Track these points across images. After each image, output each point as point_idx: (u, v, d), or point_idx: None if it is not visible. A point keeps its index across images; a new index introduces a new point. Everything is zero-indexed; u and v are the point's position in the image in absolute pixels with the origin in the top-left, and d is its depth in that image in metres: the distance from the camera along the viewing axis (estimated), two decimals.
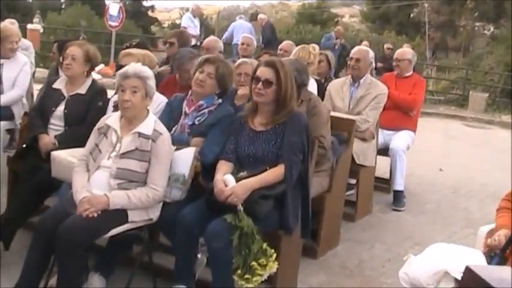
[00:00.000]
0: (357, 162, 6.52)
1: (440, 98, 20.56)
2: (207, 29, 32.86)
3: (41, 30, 17.33)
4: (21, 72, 6.88)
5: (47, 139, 5.21)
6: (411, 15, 41.27)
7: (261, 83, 4.33)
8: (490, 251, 3.76)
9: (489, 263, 3.66)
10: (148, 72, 4.28)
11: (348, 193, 6.57)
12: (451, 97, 20.96)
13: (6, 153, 6.37)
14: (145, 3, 58.52)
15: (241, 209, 4.07)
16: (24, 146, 5.37)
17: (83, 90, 5.40)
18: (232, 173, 4.30)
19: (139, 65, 4.30)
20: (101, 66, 11.87)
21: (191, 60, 5.74)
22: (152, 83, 4.28)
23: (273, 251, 4.08)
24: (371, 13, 43.93)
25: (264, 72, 4.35)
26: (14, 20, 10.45)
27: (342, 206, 6.07)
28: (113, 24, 16.84)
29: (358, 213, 6.73)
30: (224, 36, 17.43)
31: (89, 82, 5.45)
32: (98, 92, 5.39)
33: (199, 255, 4.49)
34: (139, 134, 4.20)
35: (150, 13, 59.14)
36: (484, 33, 37.36)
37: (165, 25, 50.55)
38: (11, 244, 4.95)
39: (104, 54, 16.97)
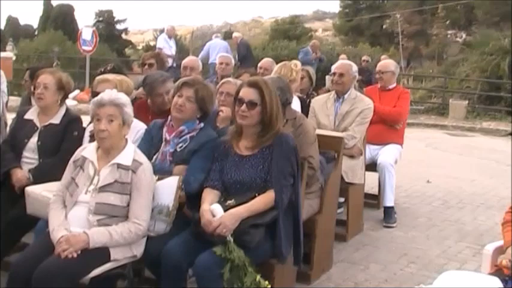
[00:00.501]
0: (346, 180, 6.29)
1: (420, 108, 20.46)
2: (181, 49, 32.74)
3: (14, 58, 17.02)
4: None
5: (20, 174, 4.93)
6: (383, 26, 41.62)
7: (244, 104, 4.11)
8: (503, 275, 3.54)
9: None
10: (124, 98, 4.03)
11: (338, 211, 6.35)
12: (430, 106, 20.91)
13: None
14: (118, 26, 58.50)
15: (231, 240, 3.84)
16: None
17: (56, 120, 5.13)
18: (219, 202, 4.06)
19: (114, 92, 4.05)
20: (76, 92, 11.64)
21: (164, 83, 5.54)
22: (129, 110, 4.03)
23: (266, 282, 3.85)
24: (344, 26, 44.24)
25: (248, 93, 4.13)
26: None
27: (334, 227, 5.83)
28: (87, 48, 16.61)
29: (350, 232, 6.49)
30: (200, 56, 17.26)
31: (62, 111, 5.19)
32: (72, 121, 5.11)
33: None
34: (118, 165, 3.94)
35: (123, 36, 59.10)
36: (457, 41, 37.63)
37: (139, 47, 50.39)
38: None
39: (78, 79, 16.85)
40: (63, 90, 5.17)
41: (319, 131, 5.99)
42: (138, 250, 3.98)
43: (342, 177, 6.12)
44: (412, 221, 7.42)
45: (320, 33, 60.26)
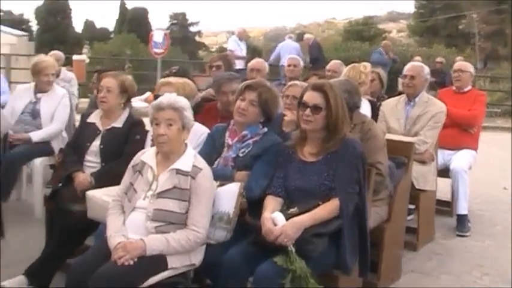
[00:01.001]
0: (417, 187, 6.05)
1: (496, 110, 19.83)
2: (254, 51, 32.80)
3: (87, 61, 17.26)
4: (59, 106, 6.76)
5: (82, 177, 4.91)
6: (459, 27, 40.68)
7: (308, 109, 3.96)
8: None
9: None
10: (183, 102, 3.91)
11: (407, 219, 6.11)
12: (507, 108, 20.18)
13: (50, 189, 6.12)
14: (192, 29, 59.18)
15: (293, 249, 3.67)
16: (60, 184, 5.08)
17: (119, 123, 5.10)
18: (282, 209, 3.91)
19: (173, 95, 3.93)
20: (147, 94, 11.69)
21: (230, 82, 5.46)
22: (189, 114, 3.91)
23: None
24: (418, 27, 43.51)
25: (312, 97, 3.97)
26: (56, 52, 10.35)
27: (403, 236, 5.60)
28: (158, 51, 16.69)
29: (420, 241, 6.23)
30: (272, 58, 17.21)
31: (125, 115, 5.15)
32: (135, 125, 5.07)
33: None
34: (177, 171, 3.83)
35: (197, 38, 59.80)
36: None
37: (213, 49, 50.80)
38: None
39: (149, 81, 16.98)
40: (126, 94, 5.14)
41: (388, 136, 5.82)
42: (197, 258, 3.86)
43: (412, 184, 5.90)
44: (487, 229, 7.10)
45: (394, 35, 59.57)
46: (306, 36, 18.47)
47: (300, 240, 3.69)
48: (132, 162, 4.05)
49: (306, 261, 3.66)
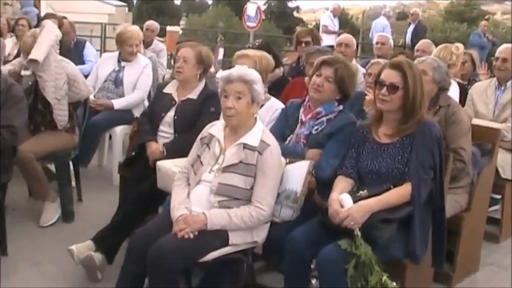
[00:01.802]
0: (502, 176, 5.73)
1: None
2: (352, 29, 32.30)
3: (180, 32, 17.35)
4: (142, 75, 6.78)
5: (155, 147, 4.90)
6: None
7: (385, 87, 3.77)
8: None
9: None
10: (254, 75, 3.79)
11: (491, 209, 5.83)
12: None
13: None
14: (290, 4, 58.85)
15: (359, 234, 3.53)
16: (133, 153, 5.10)
17: (194, 95, 5.04)
18: (351, 191, 3.77)
19: (244, 68, 3.83)
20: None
21: (318, 54, 5.25)
22: (259, 87, 3.79)
23: (394, 284, 3.51)
24: None
25: (389, 76, 3.78)
26: (152, 23, 10.41)
27: (484, 226, 5.33)
28: (251, 24, 16.59)
29: (503, 233, 5.93)
30: (370, 35, 16.92)
31: (201, 86, 5.09)
32: (210, 97, 4.96)
33: (313, 281, 3.96)
34: (245, 146, 3.74)
35: (295, 14, 59.40)
36: None
37: (311, 25, 50.33)
38: (115, 256, 4.61)
39: None
40: (203, 65, 5.06)
41: (475, 121, 5.56)
42: (260, 236, 3.77)
43: (498, 173, 5.60)
44: None
45: (498, 16, 57.37)
46: (414, 10, 17.91)
47: (366, 224, 3.54)
48: (200, 135, 3.99)
49: (372, 247, 3.51)
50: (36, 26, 7.13)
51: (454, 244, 4.80)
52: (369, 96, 4.94)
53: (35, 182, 5.42)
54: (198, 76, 5.07)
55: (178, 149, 4.61)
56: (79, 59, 8.24)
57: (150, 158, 4.83)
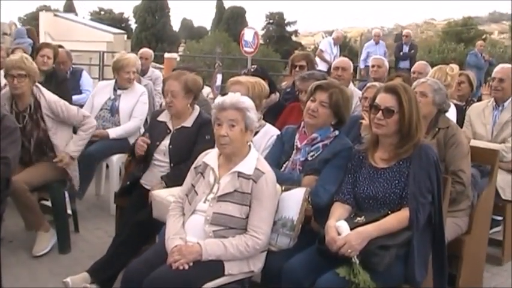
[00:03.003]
0: (503, 197, 5.67)
1: None
2: (350, 52, 32.40)
3: (178, 59, 17.41)
4: (138, 103, 6.77)
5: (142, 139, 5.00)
6: None
7: (380, 112, 3.73)
8: None
9: None
10: (247, 102, 3.76)
11: (492, 231, 5.77)
12: None
13: None
14: (288, 28, 59.16)
15: (357, 261, 3.47)
16: (128, 182, 5.07)
17: (188, 123, 5.03)
18: (348, 218, 3.71)
19: (237, 95, 3.79)
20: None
21: (312, 79, 5.25)
22: (253, 114, 3.75)
23: None
24: None
25: (384, 100, 3.75)
26: (146, 50, 10.42)
27: (485, 249, 5.26)
28: (248, 50, 16.61)
29: (506, 255, 5.84)
30: (362, 58, 16.90)
31: (195, 114, 5.07)
32: (204, 125, 4.93)
33: None
34: (239, 174, 3.70)
35: (293, 38, 59.69)
36: None
37: (309, 49, 50.55)
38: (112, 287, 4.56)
39: None
40: (192, 93, 5.04)
41: (473, 142, 5.51)
42: (257, 265, 3.71)
43: (498, 194, 5.54)
44: None
45: (496, 36, 57.68)
46: (406, 31, 17.94)
47: (364, 251, 3.48)
48: (194, 164, 3.95)
49: (370, 274, 3.45)
50: (31, 55, 7.08)
51: (456, 268, 4.73)
52: (366, 121, 4.91)
53: (28, 213, 5.35)
54: (189, 105, 5.04)
55: (177, 179, 4.50)
56: (75, 89, 8.24)
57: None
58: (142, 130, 6.77)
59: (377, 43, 16.63)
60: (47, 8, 51.05)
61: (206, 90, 8.73)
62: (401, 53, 16.36)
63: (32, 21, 40.83)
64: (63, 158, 5.45)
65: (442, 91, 4.85)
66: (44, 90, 5.53)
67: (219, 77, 10.65)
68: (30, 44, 12.12)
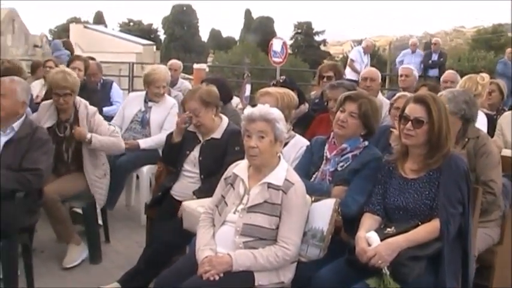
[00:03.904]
0: None
1: None
2: (379, 60, 32.29)
3: (207, 69, 17.49)
4: (168, 115, 6.79)
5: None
6: None
7: (410, 122, 3.73)
8: None
9: None
10: (276, 113, 3.77)
11: None
12: None
13: None
14: (317, 38, 59.18)
15: (387, 272, 3.46)
16: (159, 193, 5.11)
17: (218, 134, 5.06)
18: (378, 229, 3.71)
19: (266, 106, 3.81)
20: None
21: (341, 88, 5.31)
22: (282, 125, 3.77)
23: None
24: None
25: (414, 110, 3.74)
26: (175, 62, 10.50)
27: None
28: (277, 60, 16.65)
29: None
30: (397, 67, 16.83)
31: (224, 125, 5.11)
32: (233, 136, 4.94)
33: None
34: (269, 185, 3.71)
35: (322, 47, 59.72)
36: None
37: (338, 58, 50.56)
38: None
39: None
40: (211, 104, 5.08)
41: (505, 152, 5.46)
42: (287, 276, 3.71)
43: None
44: None
45: None
46: (435, 40, 17.80)
47: (395, 262, 3.47)
48: (224, 175, 3.98)
49: (401, 285, 3.44)
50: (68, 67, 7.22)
51: (487, 279, 4.69)
52: (396, 131, 4.90)
53: (59, 224, 5.43)
54: (214, 116, 5.09)
55: (208, 193, 4.48)
56: (106, 100, 8.31)
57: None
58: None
59: (413, 52, 16.56)
60: (77, 20, 51.70)
61: (235, 101, 8.75)
62: (430, 61, 16.21)
63: (62, 33, 41.37)
64: (81, 131, 5.50)
65: (458, 98, 4.78)
66: (83, 101, 5.66)
67: (248, 87, 10.68)
68: (68, 55, 12.36)
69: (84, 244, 5.60)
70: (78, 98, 5.63)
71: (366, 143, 4.24)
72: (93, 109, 5.69)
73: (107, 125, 5.74)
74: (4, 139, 4.75)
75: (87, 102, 5.70)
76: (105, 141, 5.60)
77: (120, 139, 5.78)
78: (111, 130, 5.72)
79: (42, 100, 7.14)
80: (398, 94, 5.55)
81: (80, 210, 5.87)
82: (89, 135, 5.48)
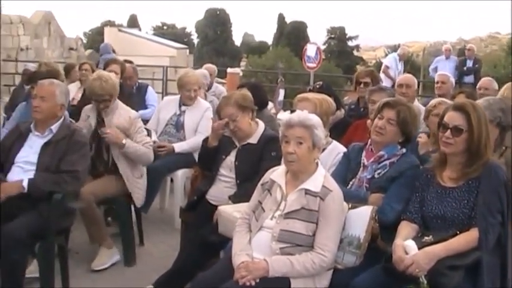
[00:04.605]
0: None
1: None
2: (412, 66, 32.08)
3: (240, 74, 17.53)
4: (203, 119, 6.80)
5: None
6: None
7: (449, 130, 3.70)
8: None
9: None
10: (315, 120, 3.77)
11: None
12: None
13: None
14: (350, 43, 59.04)
15: (425, 281, 3.43)
16: (195, 197, 5.12)
17: (254, 139, 5.05)
18: (416, 237, 3.68)
19: (305, 112, 3.81)
20: None
21: (382, 92, 5.33)
22: (320, 132, 3.77)
23: None
24: None
25: (453, 118, 3.71)
26: (210, 66, 10.57)
27: None
28: (311, 65, 16.61)
29: None
30: (430, 73, 16.70)
31: (260, 130, 5.10)
32: (270, 141, 4.95)
33: None
34: (306, 191, 3.71)
35: (355, 52, 59.53)
36: None
37: (371, 64, 50.39)
38: None
39: None
40: (248, 108, 5.07)
41: None
42: (323, 283, 3.70)
43: None
44: None
45: None
46: (470, 46, 17.63)
47: (432, 271, 3.44)
48: (261, 180, 3.98)
49: None
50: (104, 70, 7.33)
51: None
52: (423, 139, 4.90)
53: (92, 226, 5.48)
54: (250, 120, 5.09)
55: (244, 198, 4.48)
56: (141, 104, 8.35)
57: None
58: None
59: (447, 58, 16.42)
60: (111, 23, 52.17)
61: (269, 105, 8.76)
62: (465, 68, 16.06)
63: (96, 36, 41.82)
64: (117, 134, 5.53)
65: (493, 106, 4.70)
66: (122, 105, 5.77)
67: (282, 92, 10.66)
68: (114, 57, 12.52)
69: (115, 248, 5.65)
70: (116, 103, 5.71)
71: (404, 150, 4.21)
72: (135, 114, 5.77)
73: (144, 135, 5.79)
74: (42, 141, 4.84)
75: (128, 108, 5.77)
76: (137, 149, 5.63)
77: (151, 151, 5.78)
78: (146, 141, 5.75)
79: (78, 103, 7.25)
80: (436, 100, 5.49)
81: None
82: (123, 140, 5.52)
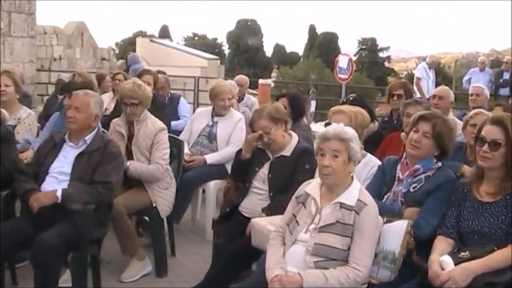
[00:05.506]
0: None
1: None
2: (444, 77, 31.85)
3: (272, 85, 17.53)
4: (235, 130, 6.82)
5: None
6: None
7: (486, 144, 3.64)
8: None
9: None
10: (351, 133, 3.75)
11: None
12: None
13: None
14: (381, 54, 58.84)
15: None
16: (228, 209, 5.11)
17: (287, 151, 5.03)
18: (452, 252, 3.62)
19: (341, 125, 3.79)
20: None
21: (417, 105, 5.35)
22: (356, 145, 3.73)
23: None
24: None
25: (491, 132, 3.66)
26: (241, 77, 10.59)
27: None
28: (343, 76, 16.55)
29: None
30: (464, 85, 16.55)
31: (294, 142, 5.08)
32: (304, 154, 4.94)
33: None
34: (341, 205, 3.67)
35: (386, 64, 59.30)
36: None
37: (402, 75, 50.15)
38: None
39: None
40: (281, 120, 5.08)
41: None
42: None
43: None
44: None
45: None
46: (507, 58, 17.42)
47: None
48: (296, 193, 3.95)
49: None
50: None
51: None
52: None
53: (124, 237, 5.47)
54: (284, 132, 5.08)
55: (277, 210, 4.49)
56: (173, 114, 8.39)
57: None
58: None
59: (482, 70, 16.27)
60: (143, 34, 52.62)
61: None
62: (501, 80, 15.89)
63: (128, 46, 42.14)
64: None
65: None
66: (152, 117, 5.78)
67: (313, 103, 10.65)
68: (143, 67, 12.57)
69: (147, 259, 5.64)
70: (144, 114, 5.71)
71: (440, 164, 4.15)
72: (159, 127, 5.72)
73: (163, 149, 5.71)
74: (76, 152, 4.85)
75: (156, 119, 5.76)
76: (142, 170, 5.58)
77: (159, 168, 5.63)
78: (160, 156, 5.66)
79: (111, 113, 7.28)
80: (475, 111, 5.43)
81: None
82: (127, 163, 5.50)
